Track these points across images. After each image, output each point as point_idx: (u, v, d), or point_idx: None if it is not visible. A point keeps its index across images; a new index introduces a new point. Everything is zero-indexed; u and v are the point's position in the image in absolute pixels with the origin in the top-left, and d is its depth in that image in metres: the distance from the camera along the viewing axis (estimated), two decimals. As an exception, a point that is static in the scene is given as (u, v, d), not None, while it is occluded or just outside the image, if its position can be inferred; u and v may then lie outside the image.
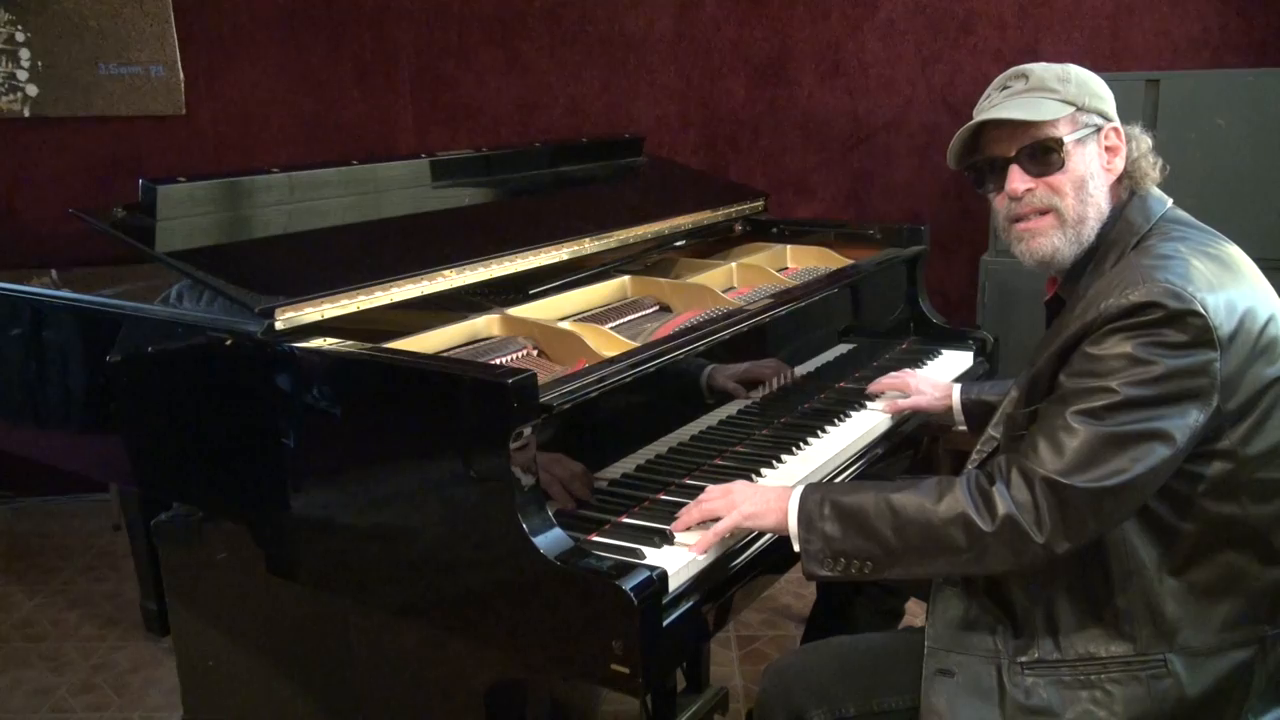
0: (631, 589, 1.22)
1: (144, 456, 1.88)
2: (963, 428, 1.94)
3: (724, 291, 2.11)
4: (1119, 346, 1.23)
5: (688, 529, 1.44)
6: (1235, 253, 1.37)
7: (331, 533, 1.51)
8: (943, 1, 3.53)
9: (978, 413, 1.89)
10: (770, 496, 1.42)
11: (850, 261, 2.38)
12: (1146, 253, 1.32)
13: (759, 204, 2.69)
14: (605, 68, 3.80)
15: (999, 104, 1.42)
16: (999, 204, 1.45)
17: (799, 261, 2.52)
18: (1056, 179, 1.39)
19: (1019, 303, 3.12)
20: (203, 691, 2.13)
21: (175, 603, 2.10)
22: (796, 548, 1.37)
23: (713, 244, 2.58)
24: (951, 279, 3.65)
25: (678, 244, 2.41)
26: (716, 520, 1.41)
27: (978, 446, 1.50)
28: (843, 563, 1.34)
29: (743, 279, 2.31)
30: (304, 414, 1.51)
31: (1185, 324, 1.21)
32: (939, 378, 2.05)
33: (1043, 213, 1.41)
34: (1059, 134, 1.39)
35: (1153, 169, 1.44)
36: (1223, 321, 1.23)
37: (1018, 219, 1.43)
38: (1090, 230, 1.41)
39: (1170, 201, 1.44)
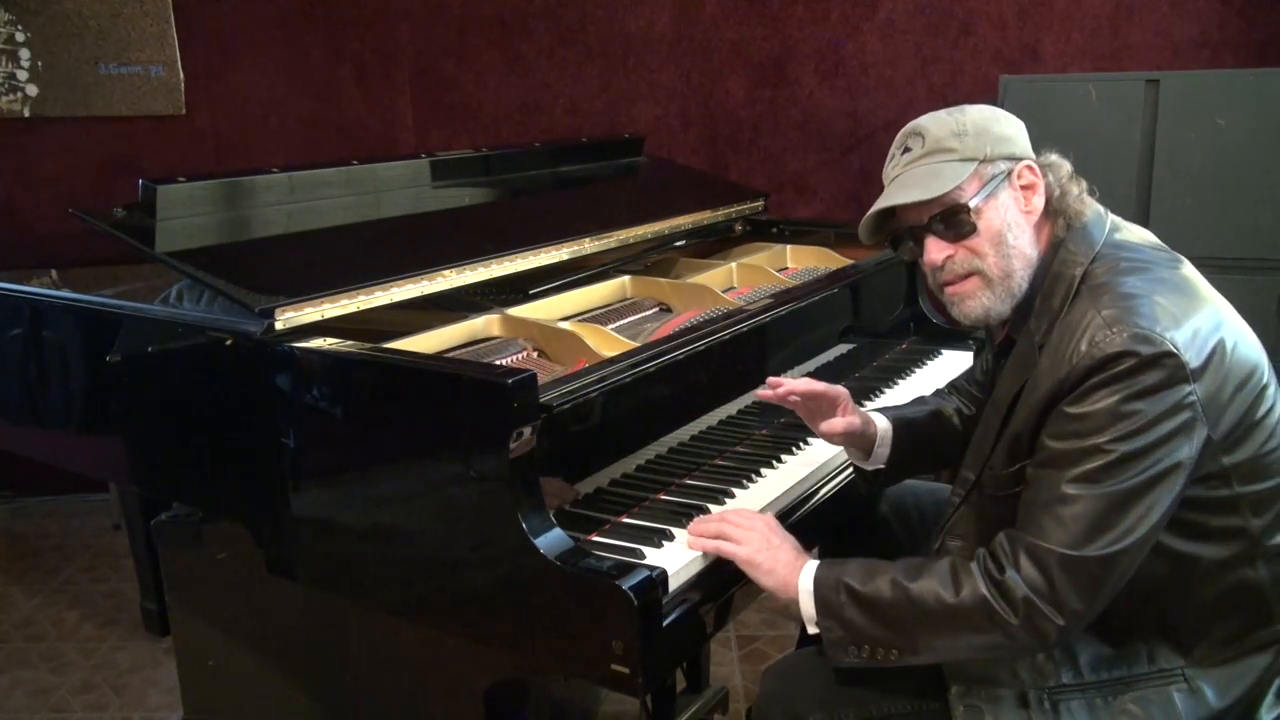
0: (631, 589, 1.22)
1: (144, 456, 1.88)
2: (876, 465, 1.70)
3: (724, 291, 2.11)
4: (1100, 403, 1.20)
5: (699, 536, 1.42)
6: (1190, 273, 1.34)
7: (331, 533, 1.51)
8: (943, 1, 3.53)
9: (906, 435, 1.70)
10: (783, 559, 1.37)
11: (850, 261, 2.38)
12: (1104, 290, 1.28)
13: (759, 204, 2.69)
14: (605, 68, 3.80)
15: (898, 175, 1.38)
16: (926, 269, 1.42)
17: (799, 261, 2.52)
18: (973, 242, 1.35)
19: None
20: (203, 691, 2.13)
21: (175, 603, 2.10)
22: (811, 630, 1.34)
23: (713, 244, 2.58)
24: (951, 279, 3.65)
25: (678, 244, 2.41)
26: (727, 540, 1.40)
27: (954, 488, 1.49)
28: (868, 650, 1.31)
29: (743, 279, 2.31)
30: (304, 414, 1.51)
31: (1159, 365, 1.19)
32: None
33: (967, 276, 1.37)
34: (964, 199, 1.34)
35: (1079, 199, 1.38)
36: (1193, 355, 1.21)
37: (945, 283, 1.40)
38: (1020, 281, 1.36)
39: (1109, 220, 1.39)
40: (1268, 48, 3.31)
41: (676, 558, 1.38)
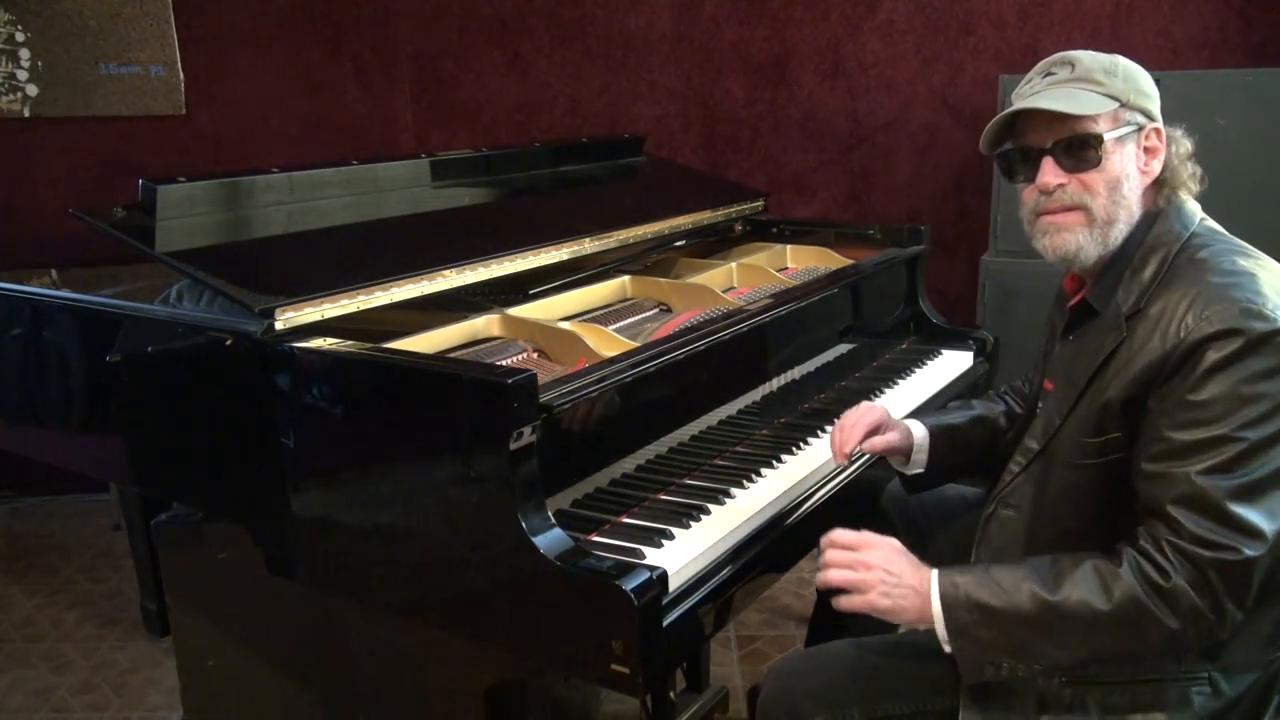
0: (632, 589, 1.22)
1: (144, 456, 1.88)
2: (915, 469, 1.69)
3: (724, 291, 2.11)
4: (1219, 387, 1.18)
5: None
6: (1277, 264, 1.33)
7: (332, 533, 1.51)
8: (943, 1, 3.53)
9: (944, 440, 1.69)
10: (909, 589, 1.32)
11: (850, 261, 2.38)
12: (1206, 267, 1.27)
13: (759, 204, 2.69)
14: (605, 68, 3.80)
15: (1040, 91, 1.36)
16: (1027, 196, 1.40)
17: (799, 261, 2.52)
18: (1090, 176, 1.34)
19: (1019, 303, 3.12)
20: (203, 691, 2.13)
21: (175, 603, 2.10)
22: (947, 649, 1.31)
23: (713, 244, 2.58)
24: (951, 279, 3.65)
25: (678, 244, 2.41)
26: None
27: (1014, 457, 1.45)
28: (1007, 665, 1.27)
29: (743, 279, 2.31)
30: (304, 414, 1.51)
31: (1273, 344, 1.18)
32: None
33: (1071, 209, 1.36)
34: (1099, 130, 1.33)
35: (1191, 179, 1.38)
36: None
37: (1045, 212, 1.38)
38: (1118, 233, 1.36)
39: (1200, 211, 1.39)
40: (1267, 48, 3.31)
41: (676, 558, 1.38)
